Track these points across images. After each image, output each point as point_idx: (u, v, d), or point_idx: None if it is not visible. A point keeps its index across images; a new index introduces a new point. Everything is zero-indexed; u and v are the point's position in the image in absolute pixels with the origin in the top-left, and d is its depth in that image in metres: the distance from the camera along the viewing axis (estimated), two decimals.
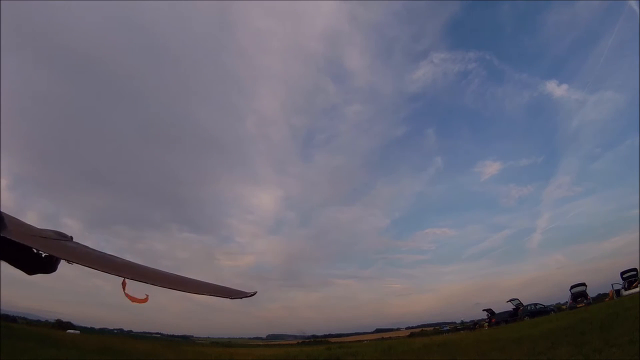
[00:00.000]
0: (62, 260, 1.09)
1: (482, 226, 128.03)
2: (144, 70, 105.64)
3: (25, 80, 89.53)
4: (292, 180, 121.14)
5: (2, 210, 0.88)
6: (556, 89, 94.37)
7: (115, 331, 52.94)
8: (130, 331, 55.12)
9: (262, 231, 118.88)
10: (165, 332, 68.74)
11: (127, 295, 1.43)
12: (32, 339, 14.79)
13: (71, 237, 1.13)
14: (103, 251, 1.11)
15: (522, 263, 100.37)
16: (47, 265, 1.02)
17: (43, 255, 0.99)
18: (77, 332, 33.62)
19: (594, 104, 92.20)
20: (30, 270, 0.99)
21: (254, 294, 0.97)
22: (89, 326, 47.52)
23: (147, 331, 58.19)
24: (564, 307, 28.20)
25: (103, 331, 48.11)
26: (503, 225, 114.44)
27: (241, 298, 0.95)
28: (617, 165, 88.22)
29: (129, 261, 1.06)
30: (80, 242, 1.15)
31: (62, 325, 39.88)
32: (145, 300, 1.49)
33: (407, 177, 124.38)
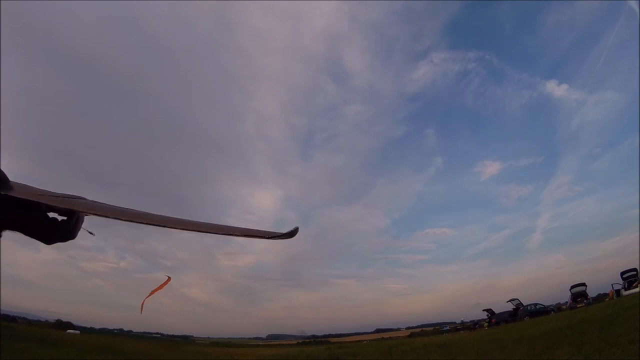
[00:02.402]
0: (81, 229, 0.98)
1: (482, 226, 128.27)
2: (144, 70, 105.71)
3: (25, 80, 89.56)
4: (292, 180, 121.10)
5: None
6: (556, 89, 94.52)
7: (115, 331, 52.97)
8: (130, 331, 55.10)
9: None
10: (165, 332, 68.84)
11: (153, 291, 1.41)
12: (32, 339, 14.78)
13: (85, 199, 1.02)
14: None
15: (522, 263, 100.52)
16: (65, 231, 0.89)
17: (59, 219, 0.90)
18: (77, 332, 33.63)
19: (594, 104, 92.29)
20: (47, 238, 0.87)
21: (295, 230, 0.78)
22: (89, 326, 47.66)
23: (147, 331, 58.18)
24: (564, 307, 28.18)
25: (103, 331, 48.13)
26: (503, 225, 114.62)
27: (279, 238, 0.79)
28: (617, 165, 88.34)
29: (150, 212, 0.93)
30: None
31: (62, 325, 39.89)
32: (167, 281, 1.47)
33: (407, 177, 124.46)
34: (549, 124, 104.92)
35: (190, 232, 0.87)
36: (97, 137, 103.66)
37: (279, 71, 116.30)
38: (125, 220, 0.84)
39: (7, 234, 0.75)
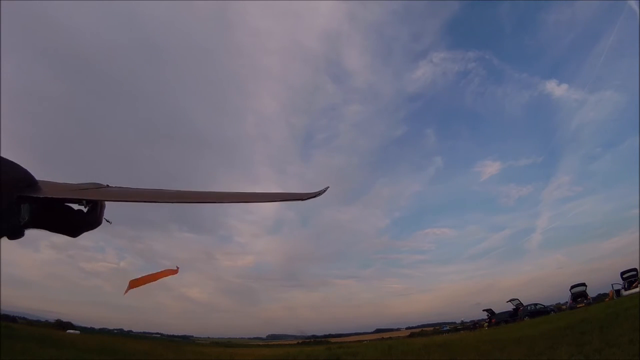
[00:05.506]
0: (104, 219, 0.99)
1: (482, 226, 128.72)
2: (143, 70, 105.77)
3: (25, 80, 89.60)
4: (292, 180, 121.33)
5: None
6: (556, 88, 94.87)
7: (115, 331, 53.05)
8: (130, 331, 55.25)
9: (262, 231, 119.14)
10: (165, 332, 69.14)
11: (160, 274, 1.35)
12: (32, 339, 14.78)
13: (107, 185, 1.03)
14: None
15: (522, 263, 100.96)
16: (91, 220, 0.91)
17: (85, 210, 0.92)
18: (77, 332, 33.66)
19: (594, 104, 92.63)
20: (74, 230, 0.89)
21: (326, 189, 0.83)
22: (89, 326, 47.74)
23: (147, 331, 58.34)
24: (564, 307, 28.22)
25: (103, 331, 48.18)
26: (503, 225, 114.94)
27: (314, 197, 0.83)
28: (617, 165, 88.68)
29: (169, 189, 0.91)
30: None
31: (62, 325, 39.89)
32: (175, 271, 1.42)
33: (407, 177, 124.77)
34: (549, 124, 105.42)
35: (232, 203, 0.84)
36: (97, 136, 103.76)
37: (278, 71, 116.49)
38: (155, 202, 0.83)
39: (27, 232, 0.75)
